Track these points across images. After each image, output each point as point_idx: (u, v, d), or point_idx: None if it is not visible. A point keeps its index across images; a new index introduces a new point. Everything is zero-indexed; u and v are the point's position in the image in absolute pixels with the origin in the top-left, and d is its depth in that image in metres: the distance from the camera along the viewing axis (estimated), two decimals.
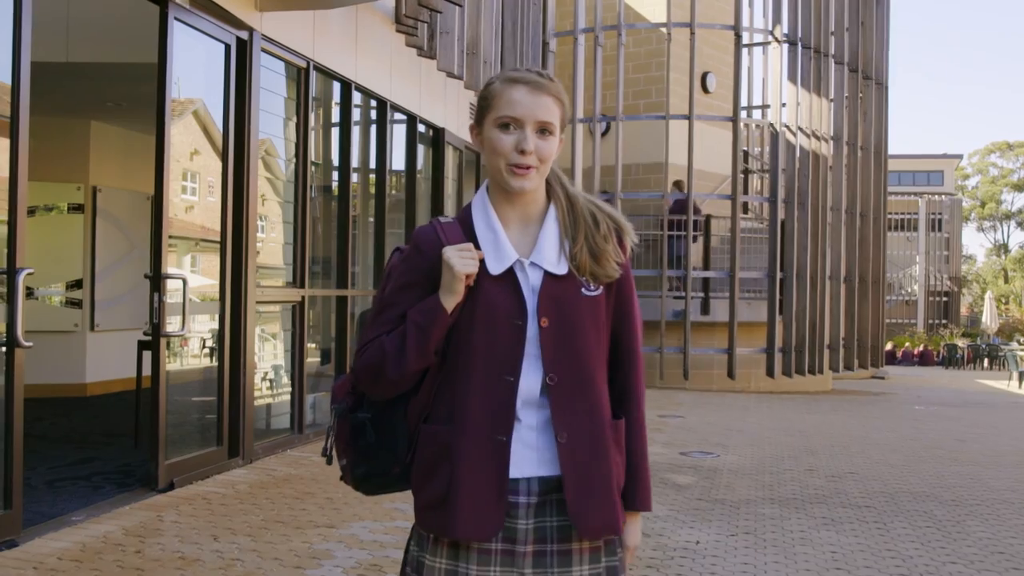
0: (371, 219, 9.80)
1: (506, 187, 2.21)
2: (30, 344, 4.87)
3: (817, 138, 15.72)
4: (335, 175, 9.02)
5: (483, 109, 2.25)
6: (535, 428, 2.18)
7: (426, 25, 9.70)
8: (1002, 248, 68.11)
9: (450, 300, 2.14)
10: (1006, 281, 63.59)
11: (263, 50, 7.36)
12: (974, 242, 78.82)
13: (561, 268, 2.20)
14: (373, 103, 9.59)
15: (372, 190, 9.85)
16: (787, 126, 15.30)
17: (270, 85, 7.70)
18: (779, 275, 15.15)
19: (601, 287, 2.24)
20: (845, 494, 7.21)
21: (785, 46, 15.32)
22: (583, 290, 2.21)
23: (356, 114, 9.15)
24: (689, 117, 14.72)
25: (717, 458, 8.65)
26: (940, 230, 52.53)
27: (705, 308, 15.95)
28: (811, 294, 15.40)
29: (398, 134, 10.34)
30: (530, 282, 2.19)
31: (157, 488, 6.18)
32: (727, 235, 15.82)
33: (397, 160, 10.35)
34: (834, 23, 16.26)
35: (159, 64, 6.28)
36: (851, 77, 16.73)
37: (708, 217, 16.38)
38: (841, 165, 16.61)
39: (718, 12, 17.21)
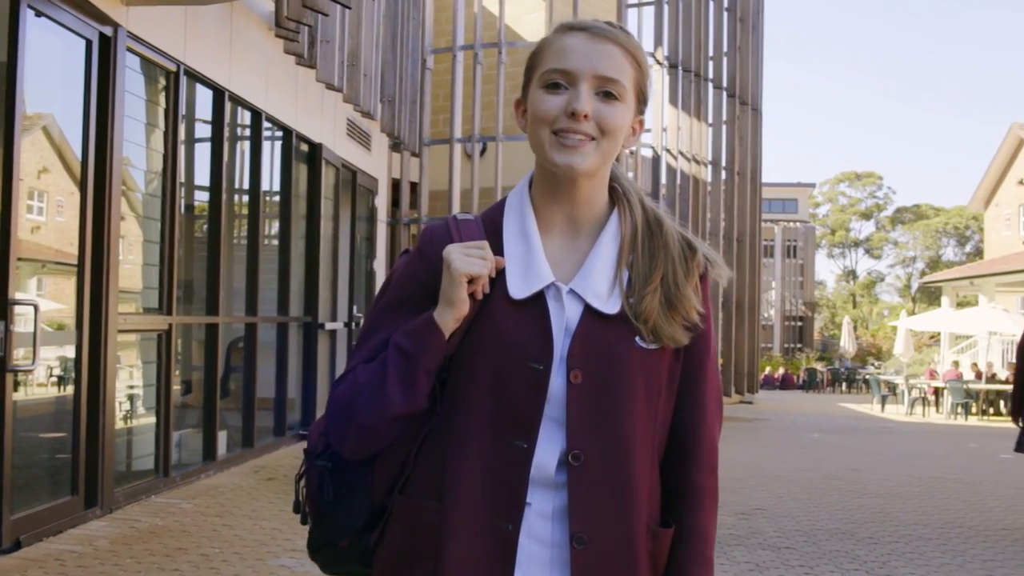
0: (243, 240, 9.03)
1: (550, 166, 1.59)
2: None
3: (697, 162, 15.58)
4: (206, 192, 8.24)
5: (530, 70, 1.63)
6: (549, 517, 1.55)
7: (307, 31, 9.02)
8: (851, 274, 70.46)
9: (448, 316, 1.54)
10: (854, 306, 65.81)
11: (129, 50, 6.58)
12: (825, 268, 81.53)
13: (611, 306, 1.58)
14: (247, 114, 8.86)
15: (245, 209, 9.10)
16: (668, 149, 15.10)
17: (136, 89, 6.92)
18: None
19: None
20: (761, 534, 6.82)
21: (666, 69, 15.14)
22: (638, 340, 1.57)
23: (231, 126, 8.40)
24: None
25: None
26: (795, 256, 54.01)
27: None
28: None
29: (274, 149, 9.61)
30: (565, 316, 1.56)
31: (0, 548, 5.33)
32: None
33: (272, 176, 9.62)
34: (713, 47, 16.20)
35: (8, 60, 5.46)
36: (729, 102, 16.70)
37: None
38: (719, 190, 16.55)
39: None
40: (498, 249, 1.61)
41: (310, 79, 9.92)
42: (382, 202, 13.54)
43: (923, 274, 59.84)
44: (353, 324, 11.88)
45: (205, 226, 8.25)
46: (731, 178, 17.01)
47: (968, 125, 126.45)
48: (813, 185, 65.93)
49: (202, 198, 8.33)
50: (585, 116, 1.54)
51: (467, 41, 14.98)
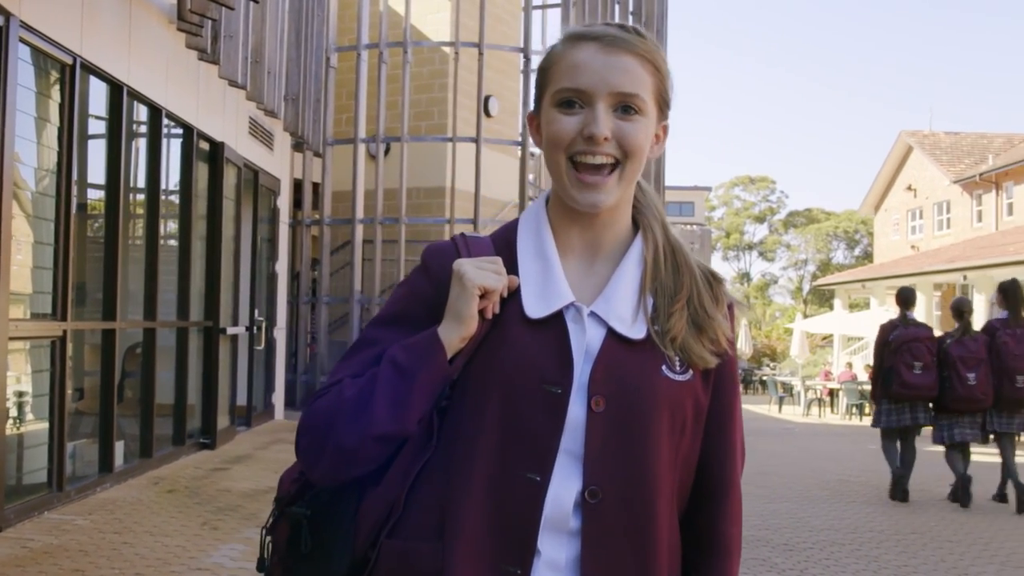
0: (141, 241, 8.66)
1: (570, 201, 1.45)
2: None
3: None
4: (102, 191, 7.86)
5: (542, 87, 1.50)
6: (562, 568, 1.38)
7: (210, 25, 8.70)
8: (745, 277, 71.73)
9: (454, 332, 1.40)
10: (749, 308, 67.02)
11: (22, 40, 6.21)
12: (720, 270, 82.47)
13: (637, 331, 1.45)
14: (147, 110, 8.50)
15: (143, 209, 8.72)
16: None
17: (28, 82, 6.55)
18: None
19: (692, 371, 1.46)
20: None
21: None
22: (665, 369, 1.43)
23: (128, 122, 8.03)
24: (477, 140, 14.20)
25: None
26: None
27: None
28: None
29: (173, 147, 9.25)
30: (586, 339, 1.43)
31: None
32: None
33: (172, 176, 9.26)
34: None
35: None
36: None
37: None
38: None
39: (501, 35, 16.86)
40: (512, 269, 1.47)
41: (212, 75, 9.59)
42: (284, 203, 13.21)
43: (814, 276, 61.25)
44: (255, 328, 11.55)
45: (101, 227, 7.87)
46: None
47: (858, 132, 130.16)
48: (709, 189, 67.03)
49: (98, 197, 7.96)
50: (605, 139, 1.42)
51: (372, 40, 14.74)
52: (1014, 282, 9.14)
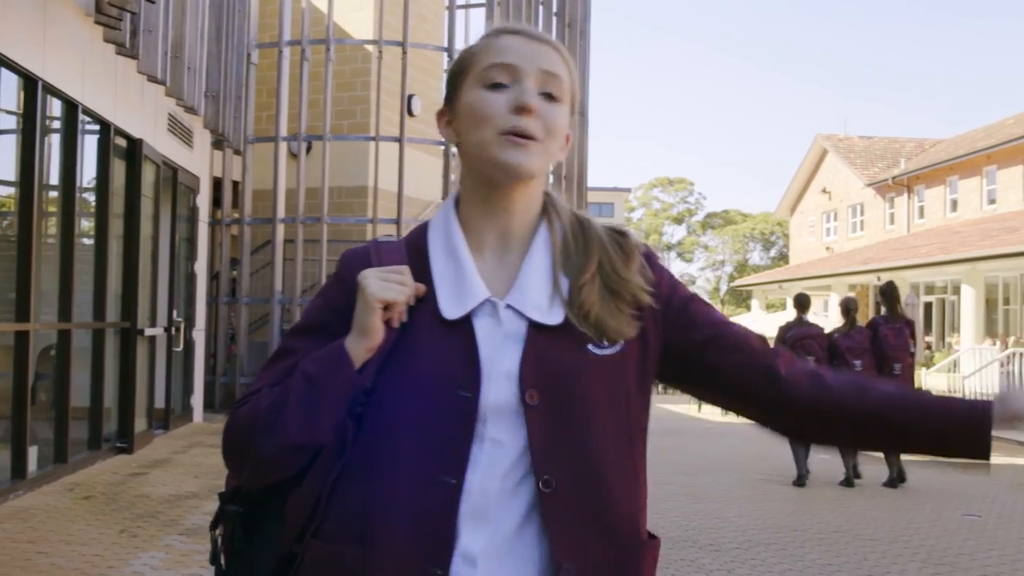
0: (56, 240, 8.40)
1: (494, 167, 1.45)
2: None
3: None
4: (14, 188, 7.61)
5: (457, 77, 1.50)
6: (488, 557, 1.38)
7: (129, 19, 8.47)
8: None
9: (359, 345, 1.41)
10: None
11: None
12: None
13: (553, 316, 1.45)
14: (62, 106, 8.25)
15: (57, 207, 8.47)
16: None
17: None
18: None
19: (622, 343, 1.47)
20: None
21: None
22: (591, 348, 1.44)
23: (42, 118, 7.78)
24: (400, 139, 14.09)
25: None
26: None
27: None
28: None
29: (90, 144, 9.00)
30: (503, 333, 1.43)
31: None
32: None
33: (88, 173, 9.01)
34: None
35: None
36: None
37: None
38: None
39: (424, 34, 16.76)
40: (424, 272, 1.48)
41: (131, 70, 9.36)
42: (204, 201, 12.96)
43: (732, 277, 62.16)
44: (173, 329, 11.31)
45: (13, 225, 7.62)
46: (558, 183, 17.10)
47: (775, 136, 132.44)
48: (629, 190, 67.66)
49: (10, 194, 7.71)
50: (534, 109, 1.43)
51: (294, 36, 14.56)
52: (891, 284, 10.69)
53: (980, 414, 1.47)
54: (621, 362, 1.47)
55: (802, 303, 10.54)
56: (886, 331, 10.06)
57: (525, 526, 1.40)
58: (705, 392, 1.65)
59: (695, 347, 1.55)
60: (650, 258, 1.56)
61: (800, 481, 9.77)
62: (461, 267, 1.47)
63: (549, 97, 1.46)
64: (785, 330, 10.37)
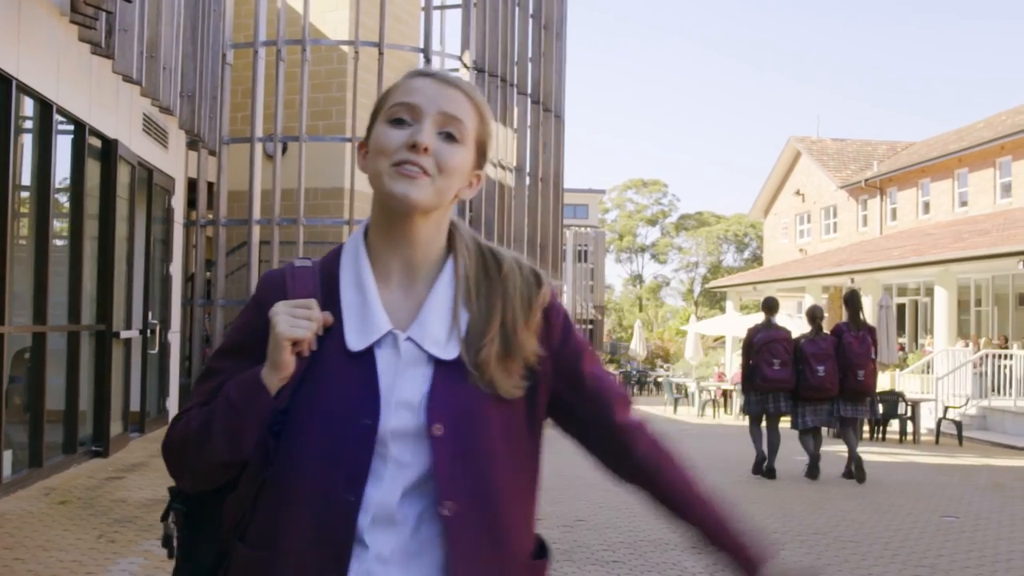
0: (30, 242, 8.31)
1: (385, 197, 1.55)
2: None
3: (503, 168, 15.58)
4: None
5: (374, 113, 1.62)
6: (389, 560, 1.50)
7: (104, 17, 8.38)
8: (637, 279, 72.76)
9: (273, 376, 1.51)
10: (641, 309, 67.93)
11: None
12: (613, 272, 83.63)
13: (448, 351, 1.55)
14: (37, 106, 8.15)
15: (31, 208, 8.38)
16: None
17: None
18: None
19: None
20: (587, 547, 6.76)
21: (473, 73, 15.04)
22: (481, 386, 1.55)
23: (16, 117, 7.69)
24: None
25: None
26: (586, 261, 55.31)
27: None
28: None
29: (64, 144, 8.90)
30: (401, 364, 1.53)
31: None
32: None
33: (62, 174, 8.92)
34: (518, 53, 16.26)
35: None
36: (533, 108, 16.81)
37: None
38: (524, 195, 16.62)
39: (400, 35, 16.71)
40: (334, 300, 1.58)
41: (104, 71, 9.27)
42: (179, 202, 12.86)
43: (705, 279, 62.43)
44: (149, 331, 11.21)
45: None
46: (535, 184, 17.12)
47: (749, 138, 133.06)
48: (603, 191, 67.80)
49: None
50: (426, 149, 1.52)
51: (270, 37, 14.46)
52: (854, 292, 11.31)
53: (753, 564, 1.67)
54: (514, 408, 1.59)
55: (770, 306, 10.97)
56: (850, 338, 10.50)
57: (426, 534, 1.51)
58: (566, 432, 1.75)
59: (572, 397, 1.68)
60: (551, 309, 1.64)
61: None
62: (366, 300, 1.56)
63: (449, 137, 1.55)
64: (753, 333, 10.79)
